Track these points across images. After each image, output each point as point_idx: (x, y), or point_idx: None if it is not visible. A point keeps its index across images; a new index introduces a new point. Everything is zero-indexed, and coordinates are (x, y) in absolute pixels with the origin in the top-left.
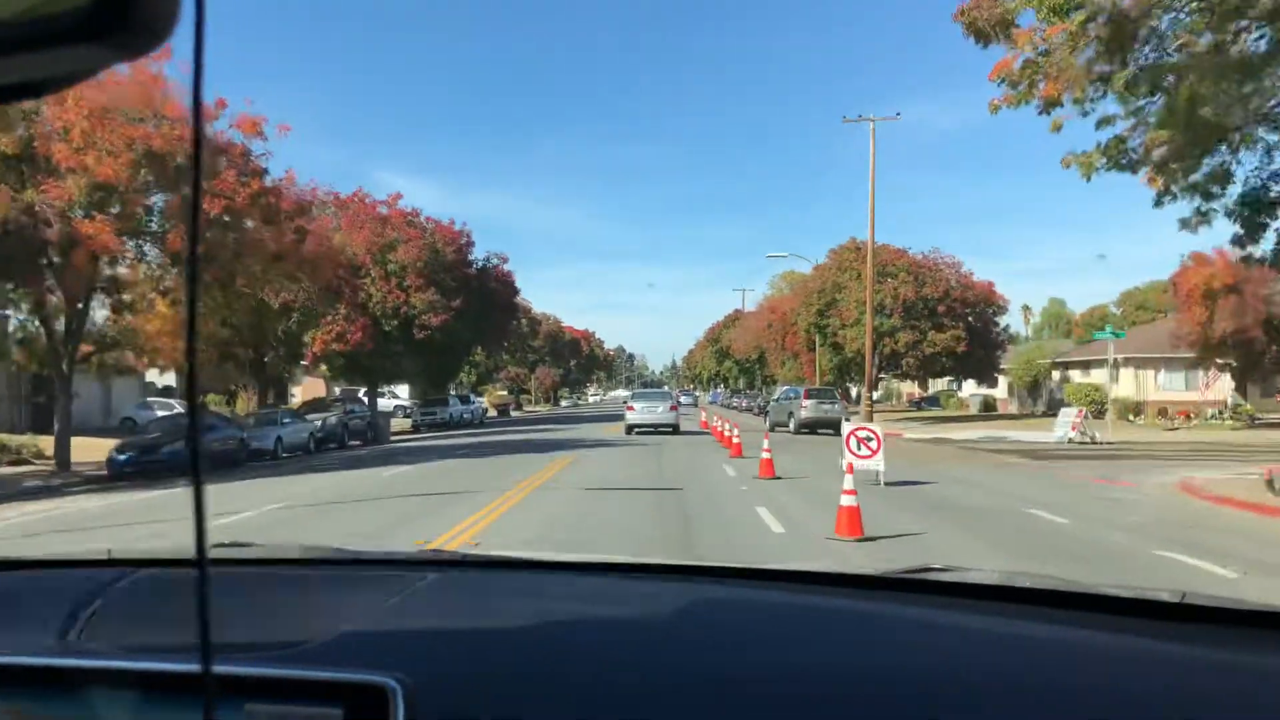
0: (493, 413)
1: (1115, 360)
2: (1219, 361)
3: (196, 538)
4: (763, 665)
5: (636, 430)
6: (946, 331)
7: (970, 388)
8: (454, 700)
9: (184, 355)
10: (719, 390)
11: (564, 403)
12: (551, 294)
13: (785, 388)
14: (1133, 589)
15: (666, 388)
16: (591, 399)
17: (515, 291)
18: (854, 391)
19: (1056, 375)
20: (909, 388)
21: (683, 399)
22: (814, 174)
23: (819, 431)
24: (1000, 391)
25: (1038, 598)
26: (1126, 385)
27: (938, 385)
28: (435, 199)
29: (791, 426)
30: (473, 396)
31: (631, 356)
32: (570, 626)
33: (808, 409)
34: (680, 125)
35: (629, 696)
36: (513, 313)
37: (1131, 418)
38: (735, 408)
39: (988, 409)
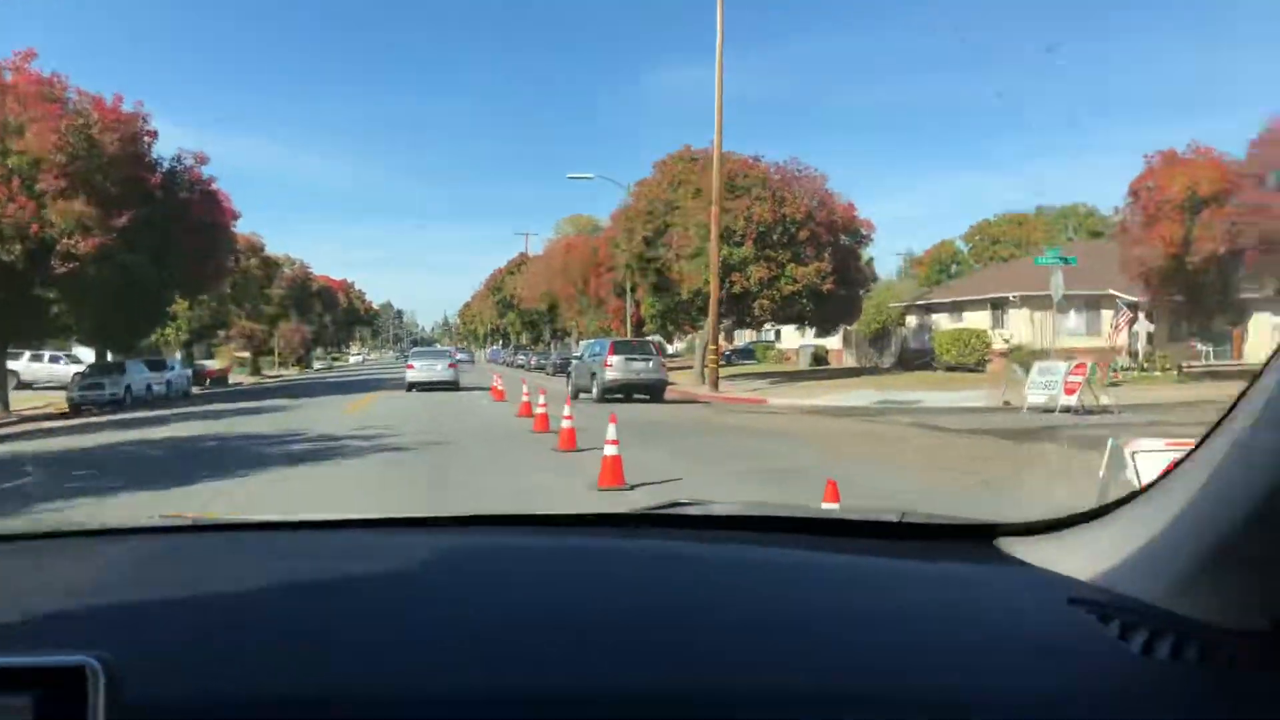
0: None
1: (1011, 300)
2: (1133, 301)
3: None
4: (517, 607)
5: (417, 388)
6: (809, 265)
7: (793, 338)
8: (167, 678)
9: None
10: (498, 347)
11: (318, 364)
12: (315, 248)
13: (590, 342)
14: (859, 511)
15: (437, 345)
16: (353, 360)
17: (228, 215)
18: (671, 346)
19: (913, 321)
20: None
21: (459, 356)
22: (595, 128)
23: (635, 399)
24: (833, 342)
25: (777, 525)
26: (1021, 330)
27: (765, 335)
28: (203, 144)
29: (595, 392)
30: (176, 360)
31: (400, 313)
32: (302, 588)
33: (614, 369)
34: (459, 80)
35: (368, 653)
36: (219, 242)
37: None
38: (522, 366)
39: (819, 363)
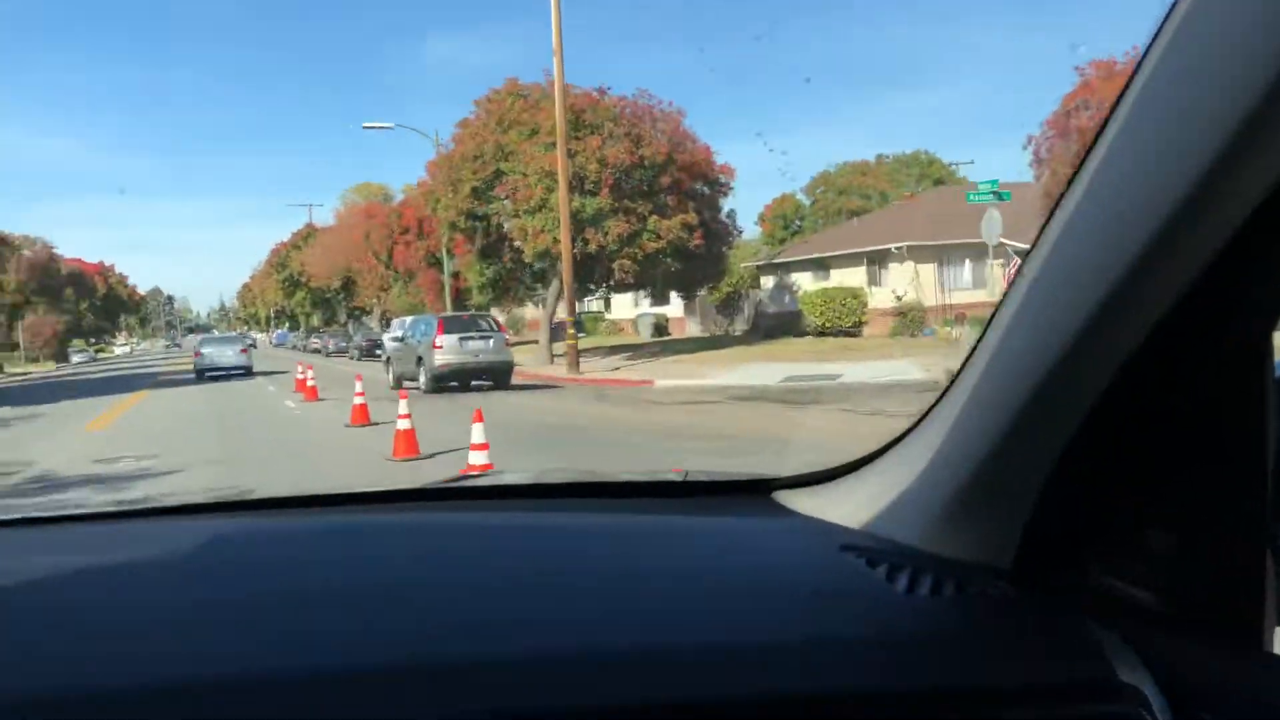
0: None
1: (894, 251)
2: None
3: None
4: (313, 590)
5: (208, 374)
6: (673, 217)
7: (624, 308)
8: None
9: None
10: (285, 330)
11: (77, 358)
12: (62, 233)
13: (411, 320)
14: (645, 473)
15: (215, 331)
16: (119, 351)
17: None
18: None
19: (768, 282)
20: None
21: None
22: (362, 103)
23: (474, 387)
24: (672, 310)
25: (567, 490)
26: (899, 284)
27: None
28: None
29: (422, 381)
30: None
31: (171, 299)
32: (64, 582)
33: (447, 351)
34: (208, 49)
35: (133, 646)
36: None
37: (954, 330)
38: (318, 350)
39: (660, 333)
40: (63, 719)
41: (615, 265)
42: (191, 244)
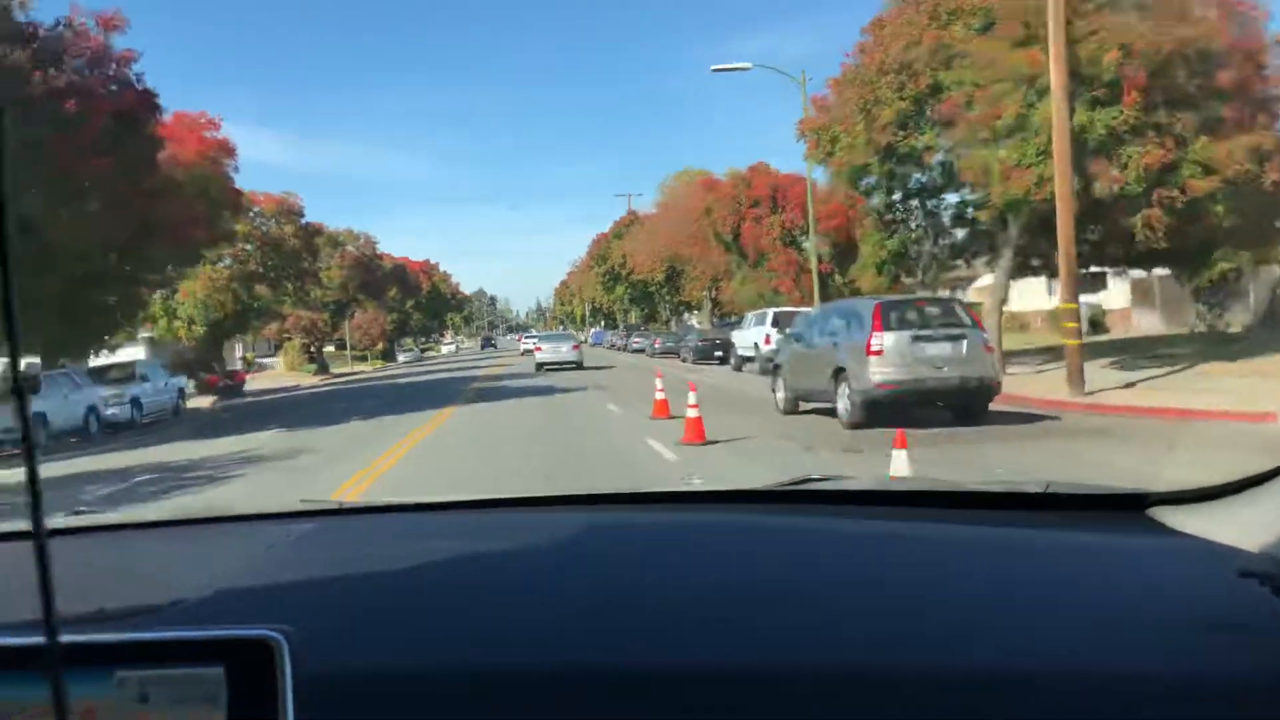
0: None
1: None
2: None
3: (32, 508)
4: (654, 585)
5: (546, 368)
6: (1233, 138)
7: (1033, 296)
8: (340, 649)
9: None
10: (601, 329)
11: (404, 357)
12: (406, 242)
13: (815, 311)
14: (1000, 483)
15: (533, 330)
16: (445, 350)
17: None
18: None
19: None
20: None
21: (544, 347)
22: (660, 105)
23: (919, 416)
24: (1116, 295)
25: (914, 499)
26: None
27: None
28: (277, 152)
29: (843, 406)
30: (155, 366)
31: (494, 299)
32: (452, 565)
33: (890, 359)
34: (524, 64)
35: (523, 632)
36: (148, 164)
37: None
38: (641, 350)
39: (1095, 329)
40: (485, 692)
41: (1139, 220)
42: (511, 249)
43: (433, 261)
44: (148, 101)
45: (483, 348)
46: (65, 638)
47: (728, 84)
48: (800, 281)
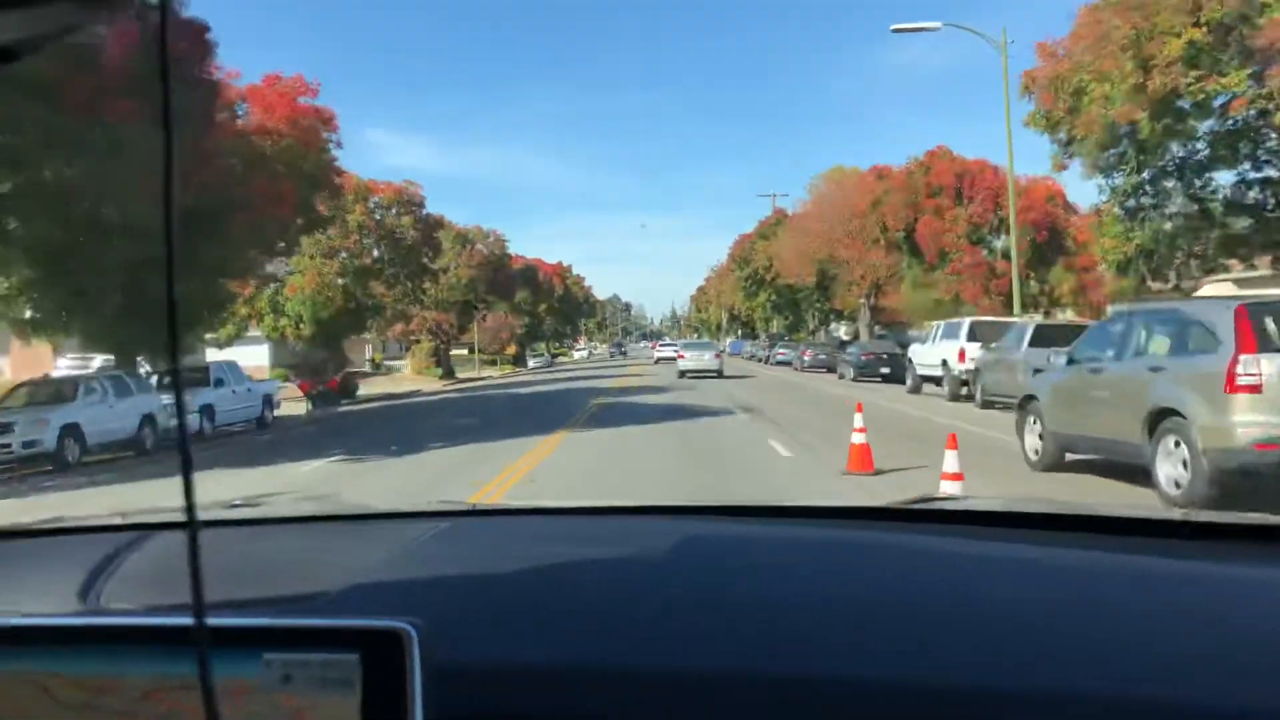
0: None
1: None
2: None
3: (185, 498)
4: (766, 597)
5: (689, 375)
6: None
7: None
8: (468, 643)
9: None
10: (737, 339)
11: (534, 362)
12: (542, 246)
13: (1116, 322)
14: (1136, 508)
15: (666, 338)
16: (577, 355)
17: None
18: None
19: None
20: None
21: (686, 355)
22: (804, 112)
23: None
24: None
25: (1040, 522)
26: None
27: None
28: (427, 156)
29: (1178, 478)
30: (233, 368)
31: (629, 305)
32: (578, 568)
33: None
34: (670, 70)
35: (634, 631)
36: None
37: None
38: (786, 363)
39: None
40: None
41: None
42: (647, 255)
43: (566, 264)
44: (196, 36)
45: (612, 355)
46: (216, 621)
47: (884, 83)
48: (991, 287)
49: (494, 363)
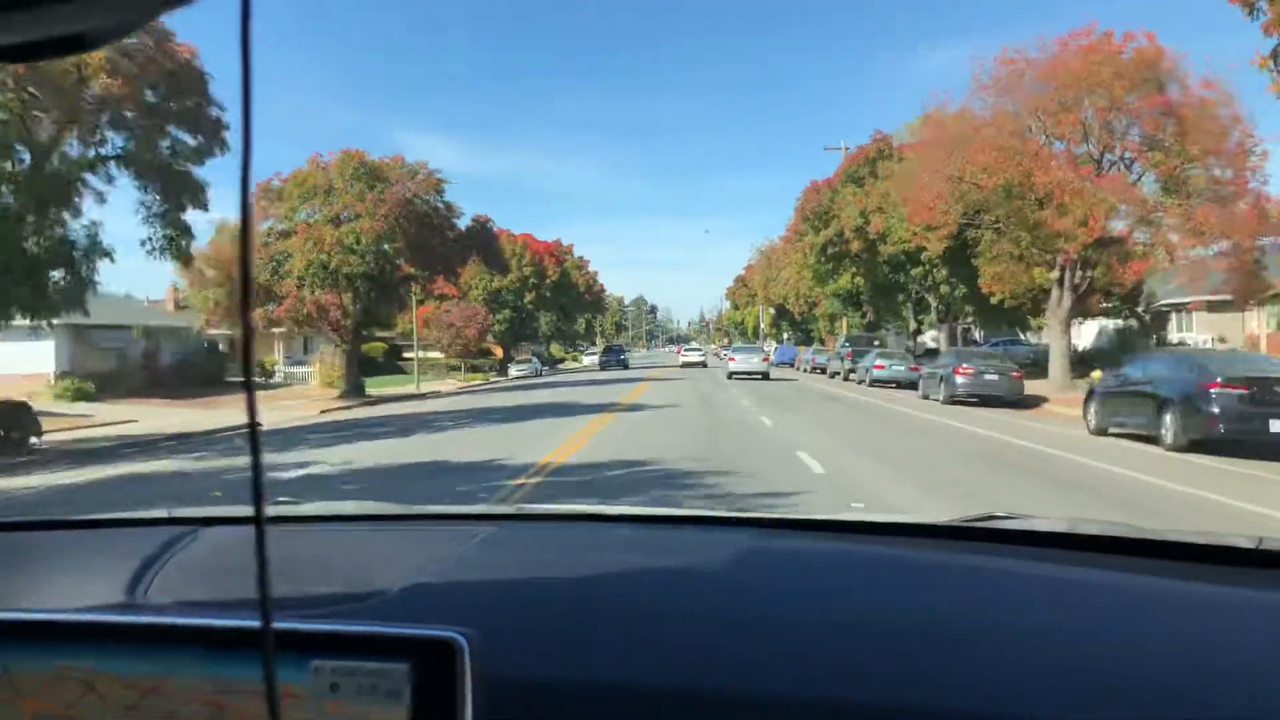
0: None
1: None
2: None
3: (254, 496)
4: (821, 616)
5: (736, 376)
6: None
7: None
8: (518, 654)
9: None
10: (789, 344)
11: (519, 369)
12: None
13: None
14: (1204, 534)
15: (693, 342)
16: (587, 360)
17: None
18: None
19: None
20: None
21: (737, 358)
22: (834, 122)
23: None
24: None
25: (1103, 545)
26: None
27: None
28: (455, 159)
29: None
30: None
31: (654, 308)
32: (631, 578)
33: None
34: (698, 77)
35: (686, 647)
36: None
37: None
38: (888, 381)
39: None
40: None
41: None
42: (675, 260)
43: (565, 243)
44: None
45: (604, 366)
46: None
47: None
48: None
49: (457, 368)
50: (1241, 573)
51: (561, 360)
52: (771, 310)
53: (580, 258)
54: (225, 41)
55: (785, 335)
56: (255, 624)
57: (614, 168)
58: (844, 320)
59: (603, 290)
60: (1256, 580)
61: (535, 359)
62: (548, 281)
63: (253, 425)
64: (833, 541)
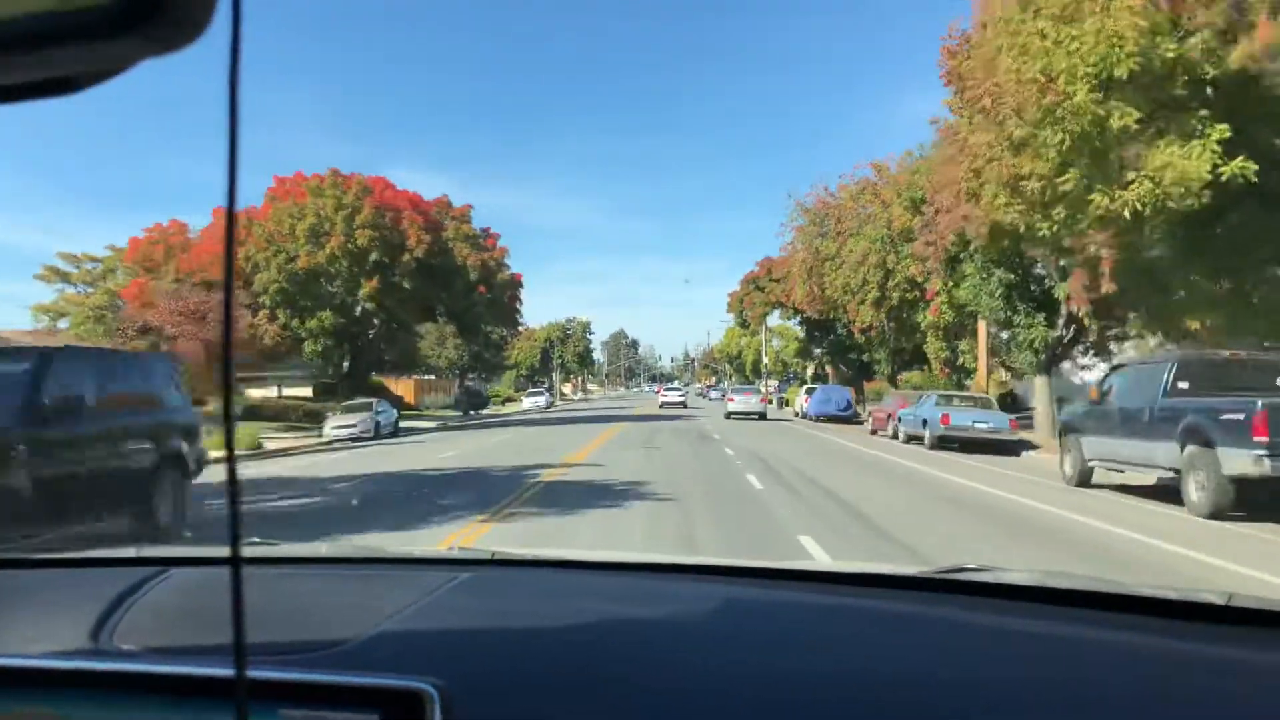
0: None
1: None
2: None
3: (230, 535)
4: (795, 668)
5: (734, 416)
6: None
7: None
8: (489, 705)
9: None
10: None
11: (341, 422)
12: (557, 288)
13: None
14: (1176, 590)
15: (676, 382)
16: (527, 404)
17: None
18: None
19: None
20: None
21: (735, 399)
22: (821, 156)
23: None
24: None
25: (1074, 599)
26: None
27: None
28: (446, 192)
29: None
30: None
31: (635, 342)
32: (603, 628)
33: None
34: (682, 118)
35: (663, 699)
36: None
37: None
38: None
39: None
40: None
41: None
42: (657, 298)
43: (493, 232)
44: None
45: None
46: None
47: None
48: None
49: (320, 415)
50: (1212, 630)
51: (489, 400)
52: (799, 330)
53: (485, 229)
54: (215, 77)
55: (811, 367)
56: (227, 672)
57: (606, 207)
58: (879, 354)
59: (517, 300)
60: (1226, 638)
61: (387, 406)
62: (409, 257)
63: (230, 459)
64: (805, 592)
